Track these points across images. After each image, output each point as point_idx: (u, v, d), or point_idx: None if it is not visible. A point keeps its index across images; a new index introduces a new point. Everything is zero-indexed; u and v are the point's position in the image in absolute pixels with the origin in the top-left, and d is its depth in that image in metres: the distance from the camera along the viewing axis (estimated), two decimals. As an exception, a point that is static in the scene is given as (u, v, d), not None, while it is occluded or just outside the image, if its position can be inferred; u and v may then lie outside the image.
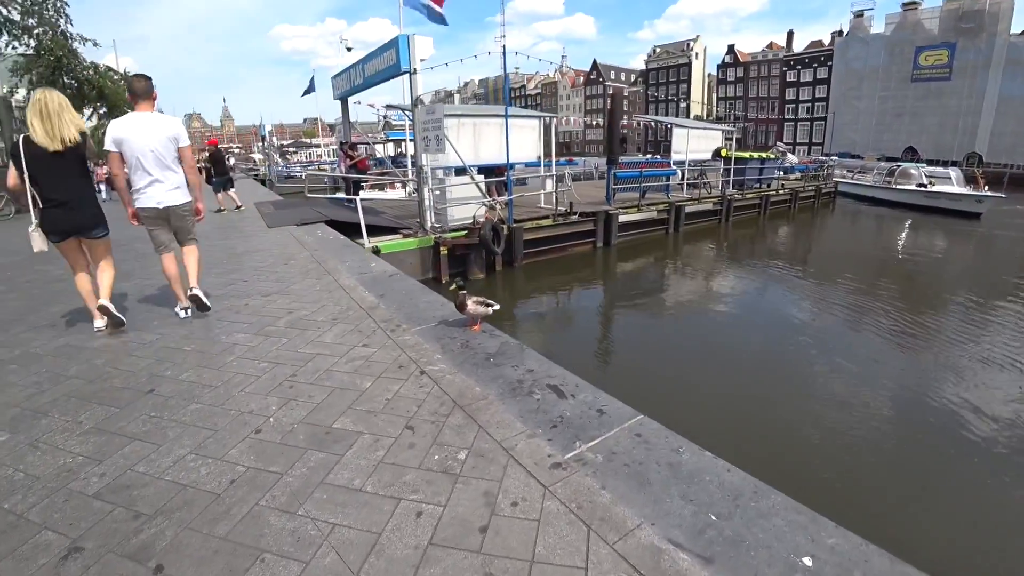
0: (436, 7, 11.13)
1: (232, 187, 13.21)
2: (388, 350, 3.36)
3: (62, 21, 18.60)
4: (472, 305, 3.54)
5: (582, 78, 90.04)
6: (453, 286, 3.66)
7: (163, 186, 4.03)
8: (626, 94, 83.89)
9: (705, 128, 19.93)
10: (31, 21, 17.64)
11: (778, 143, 41.73)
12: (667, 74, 77.21)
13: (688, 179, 17.39)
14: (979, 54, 44.82)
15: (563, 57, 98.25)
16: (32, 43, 17.69)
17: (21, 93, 21.38)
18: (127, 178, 3.99)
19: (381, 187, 16.52)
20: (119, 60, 27.38)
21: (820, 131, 60.17)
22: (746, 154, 20.29)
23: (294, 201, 14.29)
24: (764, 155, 21.96)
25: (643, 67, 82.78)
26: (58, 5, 18.23)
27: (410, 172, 13.26)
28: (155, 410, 2.75)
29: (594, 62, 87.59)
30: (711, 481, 2.00)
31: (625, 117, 60.80)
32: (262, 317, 4.19)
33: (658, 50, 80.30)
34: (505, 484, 2.01)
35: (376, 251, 9.11)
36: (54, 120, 3.61)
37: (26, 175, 3.63)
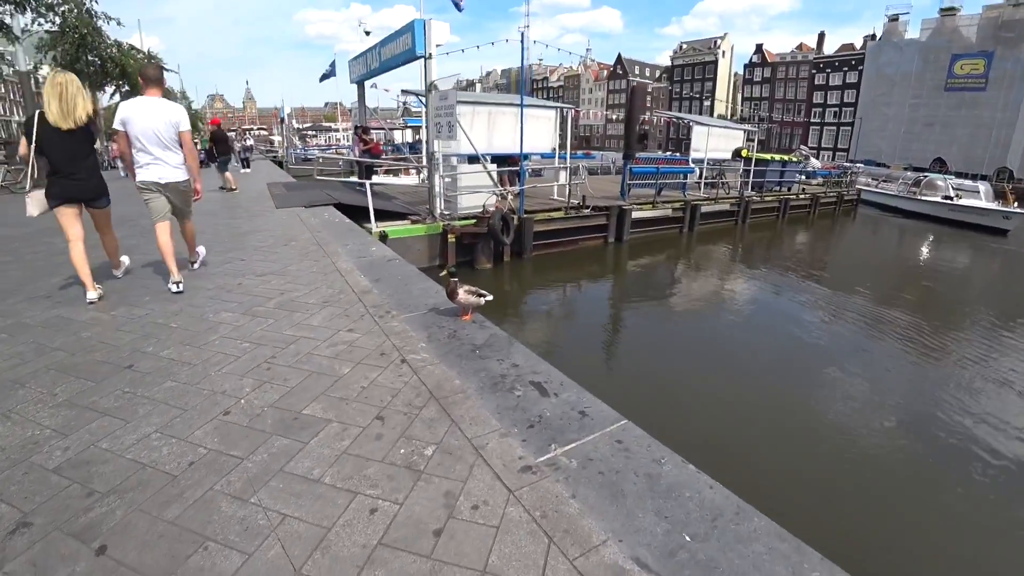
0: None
1: (227, 168, 13.20)
2: (373, 336, 3.27)
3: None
4: (463, 294, 3.44)
5: (606, 72, 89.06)
6: (444, 272, 3.55)
7: (164, 165, 4.36)
8: (650, 90, 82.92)
9: (726, 127, 19.54)
10: (56, -1, 17.77)
11: (802, 147, 40.95)
12: (692, 71, 76.07)
13: (706, 178, 17.08)
14: (1017, 64, 43.33)
15: (587, 50, 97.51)
16: (57, 20, 17.78)
17: (45, 69, 21.64)
18: (131, 154, 4.32)
19: (395, 172, 16.47)
20: (144, 40, 27.65)
21: (846, 137, 58.86)
22: (767, 156, 19.86)
23: (306, 183, 14.27)
24: (786, 158, 21.50)
25: (668, 63, 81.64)
26: None
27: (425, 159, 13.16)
28: (130, 386, 2.69)
29: (618, 56, 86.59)
30: (691, 497, 1.87)
31: (647, 112, 60.03)
32: (253, 297, 4.13)
33: (684, 46, 79.12)
34: (469, 485, 1.91)
35: (383, 236, 9.06)
36: (70, 102, 3.91)
37: (32, 147, 3.91)
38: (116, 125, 4.20)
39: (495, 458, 2.05)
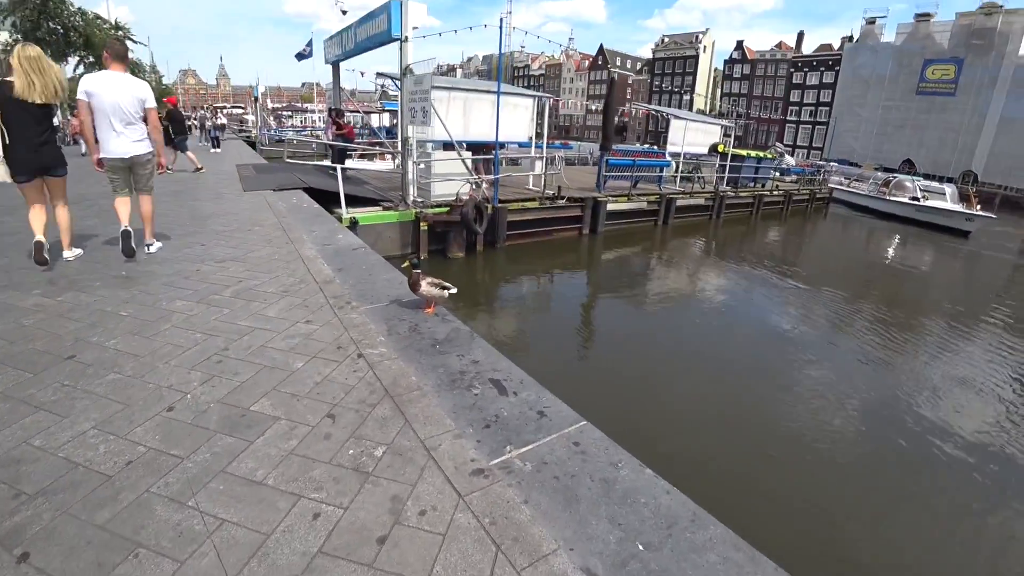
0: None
1: (186, 148, 12.78)
2: (331, 328, 3.18)
3: None
4: (426, 286, 3.35)
5: (587, 62, 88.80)
6: (405, 264, 3.45)
7: (127, 138, 4.47)
8: (630, 82, 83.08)
9: (704, 122, 19.65)
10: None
11: (777, 143, 41.57)
12: (673, 65, 76.30)
13: (682, 172, 17.17)
14: (986, 72, 44.53)
15: (570, 39, 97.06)
16: (16, -16, 16.92)
17: (3, 36, 20.57)
18: (94, 128, 4.39)
19: (370, 157, 16.15)
20: (112, 10, 26.49)
21: (821, 135, 59.90)
22: (743, 152, 20.06)
23: (277, 165, 13.91)
24: (762, 154, 21.77)
25: (650, 56, 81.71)
26: None
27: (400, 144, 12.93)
28: (70, 378, 2.56)
29: (600, 47, 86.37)
30: (646, 504, 1.84)
31: (627, 104, 60.07)
32: (210, 284, 3.98)
33: (666, 40, 79.24)
34: (418, 489, 1.85)
35: (354, 222, 8.88)
36: (46, 77, 4.04)
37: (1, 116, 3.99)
38: (80, 96, 4.24)
39: (447, 460, 2.00)
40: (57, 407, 2.31)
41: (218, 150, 19.29)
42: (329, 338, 3.04)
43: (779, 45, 68.31)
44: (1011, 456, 5.25)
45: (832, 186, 27.30)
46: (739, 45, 70.17)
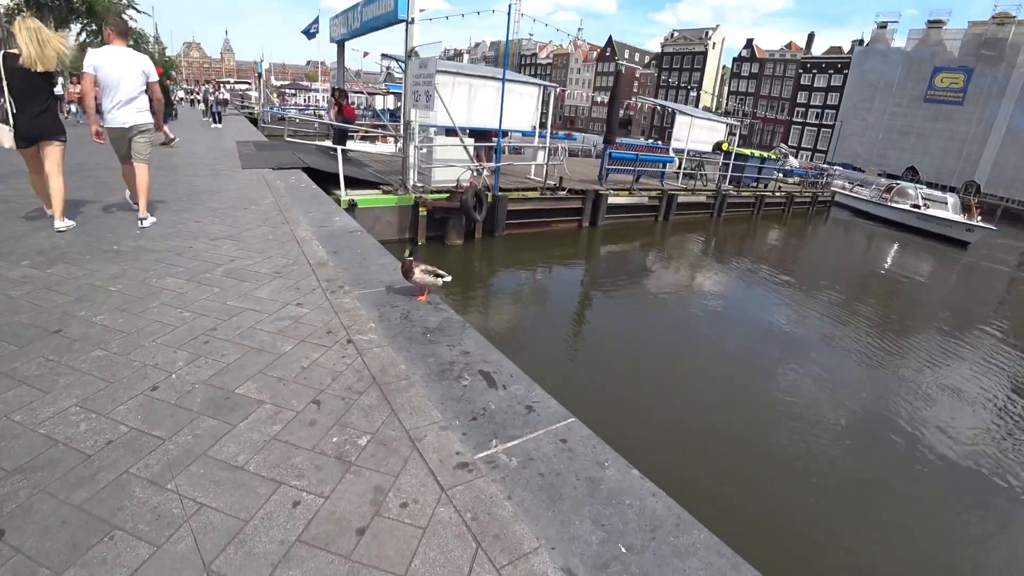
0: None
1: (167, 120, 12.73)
2: (321, 312, 3.14)
3: None
4: (419, 273, 3.32)
5: (595, 53, 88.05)
6: (407, 251, 3.42)
7: (129, 109, 4.76)
8: (637, 75, 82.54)
9: (709, 119, 19.52)
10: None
11: (781, 144, 41.39)
12: (681, 60, 75.74)
13: (685, 169, 17.09)
14: (995, 83, 44.36)
15: (579, 29, 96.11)
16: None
17: (5, 1, 20.23)
18: (98, 100, 4.68)
19: (372, 139, 16.01)
20: (115, -23, 26.00)
21: (826, 138, 59.69)
22: (747, 151, 19.97)
23: (278, 143, 13.77)
24: (765, 155, 21.68)
25: (659, 50, 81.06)
26: None
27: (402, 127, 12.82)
28: (55, 353, 2.52)
29: (609, 38, 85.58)
30: (631, 505, 1.82)
31: (632, 98, 59.65)
32: (202, 263, 3.93)
33: (675, 34, 78.60)
34: (401, 480, 1.83)
35: (352, 204, 8.81)
36: (45, 48, 4.24)
37: (5, 84, 4.21)
38: (87, 69, 4.52)
39: (431, 452, 1.98)
40: (40, 382, 2.28)
41: (219, 125, 19.11)
42: (319, 322, 3.01)
43: (789, 45, 67.83)
44: (999, 466, 5.27)
45: (835, 190, 27.23)
46: (748, 43, 69.65)
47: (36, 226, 4.54)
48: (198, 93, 31.67)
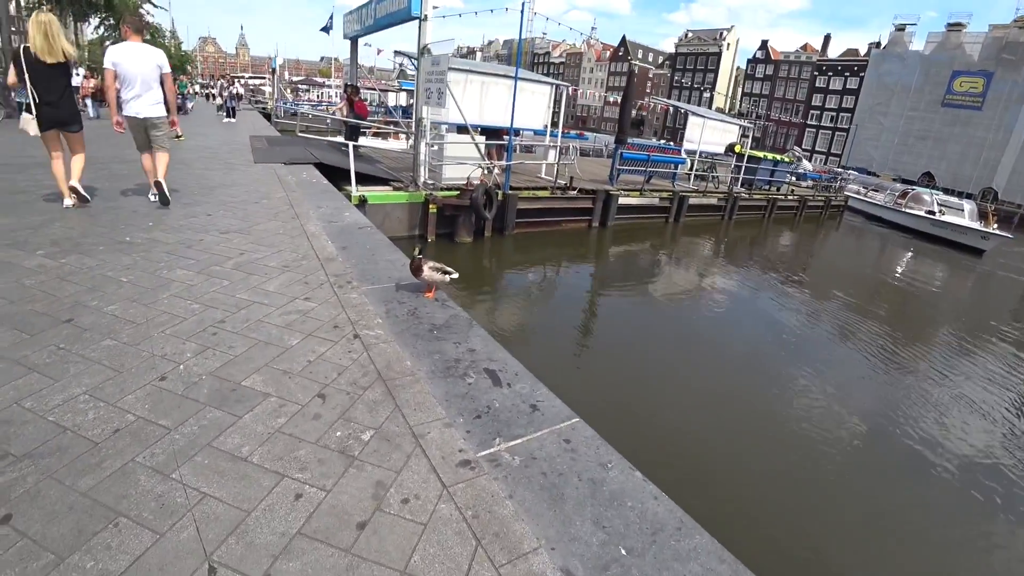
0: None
1: None
2: (329, 307, 3.16)
3: None
4: (428, 271, 3.32)
5: (608, 53, 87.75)
6: (417, 248, 3.44)
7: (145, 101, 5.24)
8: (650, 76, 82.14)
9: (723, 120, 19.38)
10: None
11: (795, 147, 40.95)
12: (695, 61, 75.27)
13: (697, 170, 16.98)
14: (1015, 87, 43.54)
15: (592, 28, 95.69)
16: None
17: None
18: (118, 92, 5.13)
19: (384, 136, 16.07)
20: (133, -27, 26.30)
21: (840, 142, 58.99)
22: (760, 154, 19.79)
23: (291, 139, 13.86)
24: (779, 157, 21.50)
25: (672, 50, 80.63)
26: None
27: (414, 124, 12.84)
28: (66, 341, 2.55)
29: (623, 38, 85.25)
30: (633, 508, 1.81)
31: (645, 98, 59.38)
32: (212, 255, 3.97)
33: (690, 35, 78.13)
34: (402, 476, 1.83)
35: (363, 200, 8.85)
36: (55, 41, 4.65)
37: (27, 76, 4.66)
38: (107, 65, 5.00)
39: (434, 449, 1.98)
40: (50, 370, 2.31)
41: (232, 120, 19.25)
42: (326, 317, 3.03)
43: (804, 47, 67.18)
44: (1007, 476, 5.19)
45: (848, 194, 26.91)
46: (763, 44, 69.07)
47: (52, 217, 4.60)
48: (214, 88, 31.90)
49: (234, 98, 20.97)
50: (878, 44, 56.28)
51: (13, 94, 12.27)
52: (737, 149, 18.04)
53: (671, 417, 5.47)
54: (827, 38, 63.87)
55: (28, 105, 4.82)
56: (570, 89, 14.13)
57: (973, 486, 4.99)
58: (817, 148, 61.18)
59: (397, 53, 13.77)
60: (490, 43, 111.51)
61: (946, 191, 31.12)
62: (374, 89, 28.45)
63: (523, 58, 10.73)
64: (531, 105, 11.86)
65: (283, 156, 9.74)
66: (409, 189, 9.66)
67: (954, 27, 48.44)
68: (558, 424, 2.24)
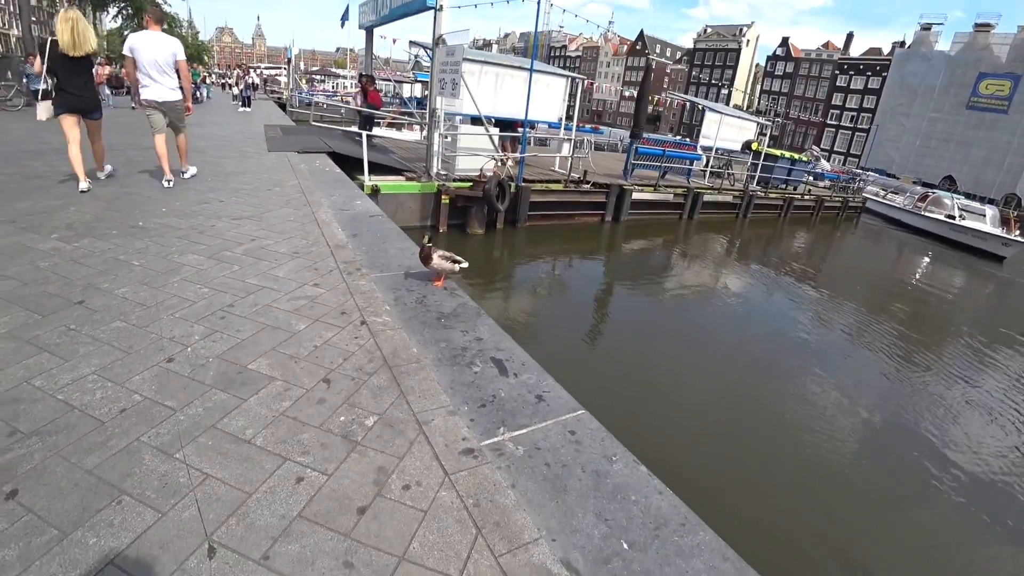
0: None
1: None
2: (337, 293, 3.16)
3: None
4: (437, 259, 3.31)
5: (626, 47, 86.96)
6: (427, 237, 3.42)
7: (162, 87, 5.55)
8: (668, 71, 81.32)
9: (740, 117, 19.12)
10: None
11: (814, 147, 40.40)
12: (714, 57, 74.35)
13: (712, 167, 16.79)
14: (1043, 91, 42.63)
15: (610, 22, 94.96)
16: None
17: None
18: (136, 77, 5.47)
19: (398, 127, 16.07)
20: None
21: (860, 143, 57.99)
22: (777, 152, 19.50)
23: (305, 128, 13.91)
24: (796, 156, 21.17)
25: (691, 46, 79.71)
26: None
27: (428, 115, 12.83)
28: (77, 323, 2.58)
29: (640, 32, 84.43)
30: (636, 502, 1.78)
31: (662, 93, 58.80)
32: (224, 241, 3.98)
33: (709, 30, 77.17)
34: (405, 462, 1.82)
35: (376, 190, 8.86)
36: (80, 37, 5.00)
37: (45, 66, 5.19)
38: (126, 52, 5.37)
39: (438, 436, 1.97)
40: (61, 350, 2.33)
41: (248, 109, 19.35)
42: (334, 303, 3.02)
43: (826, 45, 66.10)
44: (1014, 486, 5.09)
45: (866, 196, 26.45)
46: (784, 42, 68.02)
47: (67, 201, 4.65)
48: (231, 77, 32.10)
49: (249, 88, 21.07)
50: (902, 43, 55.16)
51: (38, 80, 12.50)
52: (754, 147, 17.78)
53: (679, 413, 5.43)
54: (849, 36, 62.77)
55: (44, 92, 5.28)
56: (586, 82, 14.00)
57: (982, 493, 4.90)
58: (836, 148, 60.23)
59: (412, 44, 13.74)
60: (506, 36, 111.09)
61: (968, 196, 30.52)
62: (389, 80, 28.48)
63: (539, 51, 10.64)
64: (546, 97, 11.77)
65: (297, 145, 9.77)
66: (422, 180, 9.66)
67: (982, 27, 47.30)
68: (564, 415, 2.22)
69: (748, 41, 72.28)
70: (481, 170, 9.88)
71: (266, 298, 3.00)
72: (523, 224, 10.90)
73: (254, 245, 3.93)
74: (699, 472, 4.41)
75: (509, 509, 1.67)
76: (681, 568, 1.55)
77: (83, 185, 5.03)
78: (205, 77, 31.07)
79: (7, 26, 58.10)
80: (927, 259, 19.53)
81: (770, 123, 22.18)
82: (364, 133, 9.20)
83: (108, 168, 5.75)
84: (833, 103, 61.84)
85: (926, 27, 51.89)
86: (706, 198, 15.40)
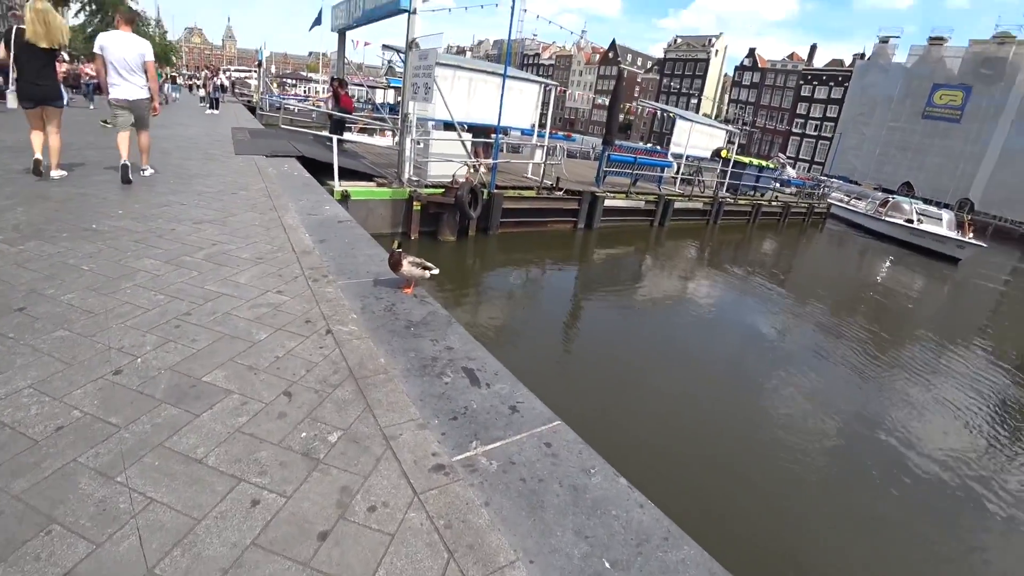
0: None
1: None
2: (302, 301, 3.01)
3: None
4: (407, 265, 3.19)
5: (598, 56, 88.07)
6: (396, 243, 3.30)
7: (130, 86, 5.66)
8: (639, 80, 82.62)
9: (710, 125, 19.45)
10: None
11: (779, 154, 41.38)
12: (684, 67, 75.85)
13: (683, 174, 17.01)
14: (992, 102, 44.61)
15: (583, 31, 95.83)
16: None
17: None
18: (106, 75, 5.55)
19: (370, 132, 15.84)
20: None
21: (824, 150, 59.85)
22: (746, 159, 19.89)
23: (274, 131, 13.58)
24: (764, 163, 21.62)
25: (661, 55, 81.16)
26: None
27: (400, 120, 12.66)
28: (16, 331, 2.38)
29: (612, 42, 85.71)
30: (617, 517, 1.70)
31: (633, 102, 59.60)
32: (182, 245, 3.79)
33: (679, 41, 78.71)
34: (371, 481, 1.70)
35: (346, 195, 8.66)
36: (52, 31, 5.12)
37: (11, 56, 5.12)
38: (96, 50, 5.49)
39: (406, 452, 1.85)
40: (-5, 361, 2.14)
41: (216, 112, 18.86)
42: (299, 311, 2.88)
43: (791, 56, 68.07)
44: (992, 479, 5.20)
45: (831, 202, 27.23)
46: (751, 52, 69.85)
47: (16, 202, 4.38)
48: (199, 79, 31.30)
49: (218, 90, 20.53)
50: (863, 55, 57.23)
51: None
52: (723, 154, 18.11)
53: (656, 421, 5.39)
54: (813, 48, 64.84)
55: (13, 80, 5.31)
56: (558, 89, 14.04)
57: (954, 488, 4.99)
58: (801, 156, 61.97)
59: (385, 47, 13.56)
60: (480, 43, 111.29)
61: (925, 201, 31.63)
62: (362, 85, 28.12)
63: (513, 58, 10.61)
64: (519, 103, 11.74)
65: (265, 148, 9.51)
66: (393, 185, 9.49)
67: (936, 41, 49.45)
68: (539, 427, 2.12)
69: (717, 51, 73.98)
70: (453, 176, 9.77)
71: (226, 305, 2.84)
72: (495, 231, 10.80)
73: (216, 250, 3.74)
74: (678, 482, 4.36)
75: (483, 530, 1.56)
76: (665, 587, 1.47)
77: (38, 156, 5.27)
78: (174, 77, 30.29)
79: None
80: (888, 262, 20.13)
81: (738, 131, 22.65)
82: (335, 137, 9.00)
83: (61, 172, 5.51)
84: (798, 112, 63.71)
85: (884, 40, 54.02)
86: (677, 205, 15.57)
